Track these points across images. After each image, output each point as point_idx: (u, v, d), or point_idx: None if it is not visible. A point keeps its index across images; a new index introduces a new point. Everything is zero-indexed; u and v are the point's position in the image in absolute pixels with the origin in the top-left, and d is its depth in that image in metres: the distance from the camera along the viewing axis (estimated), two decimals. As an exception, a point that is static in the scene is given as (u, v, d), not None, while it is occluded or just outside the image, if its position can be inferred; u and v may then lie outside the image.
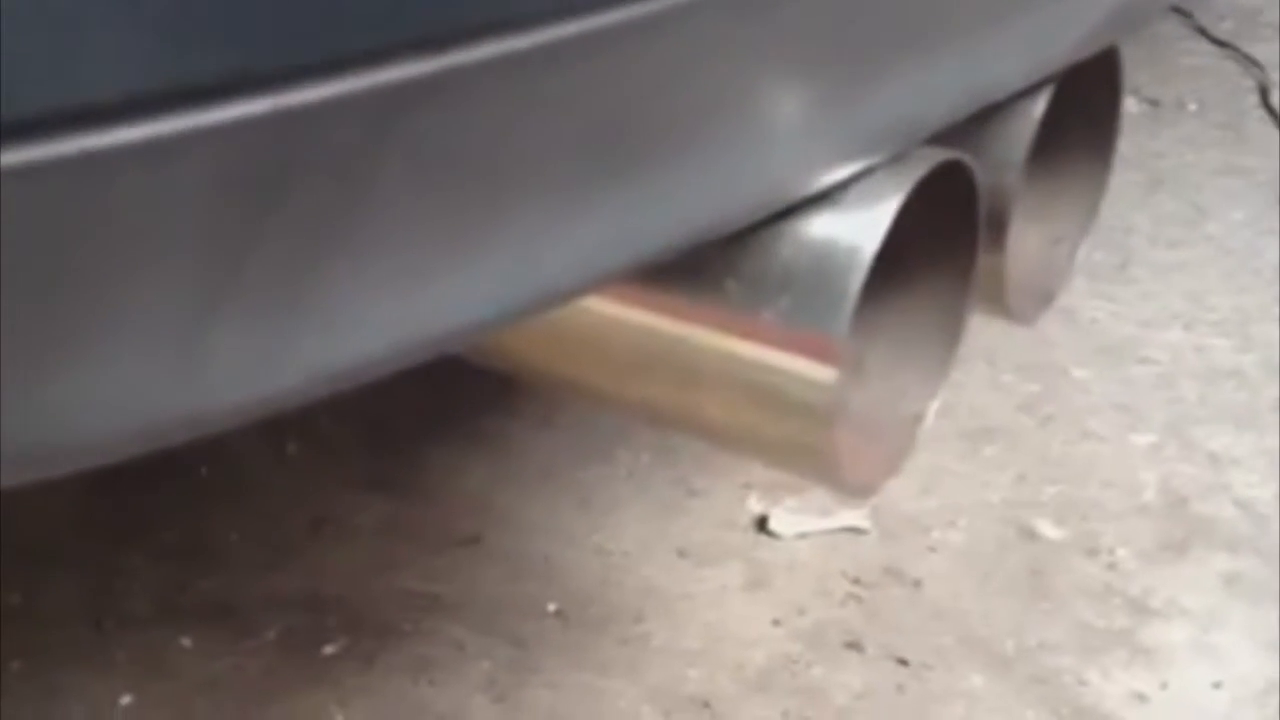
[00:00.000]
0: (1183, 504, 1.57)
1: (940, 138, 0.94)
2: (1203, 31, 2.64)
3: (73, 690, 1.31)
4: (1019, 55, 0.95)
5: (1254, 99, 2.46)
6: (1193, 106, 2.43)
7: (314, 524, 1.50)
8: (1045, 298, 1.20)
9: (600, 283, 0.79)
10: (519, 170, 0.63)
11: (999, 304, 1.10)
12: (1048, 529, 1.53)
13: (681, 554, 1.49)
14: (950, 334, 1.01)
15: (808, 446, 0.90)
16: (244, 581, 1.43)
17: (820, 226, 0.85)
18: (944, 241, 0.98)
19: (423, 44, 0.51)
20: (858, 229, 0.85)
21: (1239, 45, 2.59)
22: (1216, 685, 1.36)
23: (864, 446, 0.97)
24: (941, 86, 0.89)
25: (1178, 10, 2.63)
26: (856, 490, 0.97)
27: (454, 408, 1.65)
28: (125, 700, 1.31)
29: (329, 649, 1.36)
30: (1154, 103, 2.43)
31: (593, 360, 0.95)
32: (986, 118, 1.01)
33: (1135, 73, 2.47)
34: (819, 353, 0.86)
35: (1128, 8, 1.01)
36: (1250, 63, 2.54)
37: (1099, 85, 1.16)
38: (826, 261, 0.85)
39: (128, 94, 0.45)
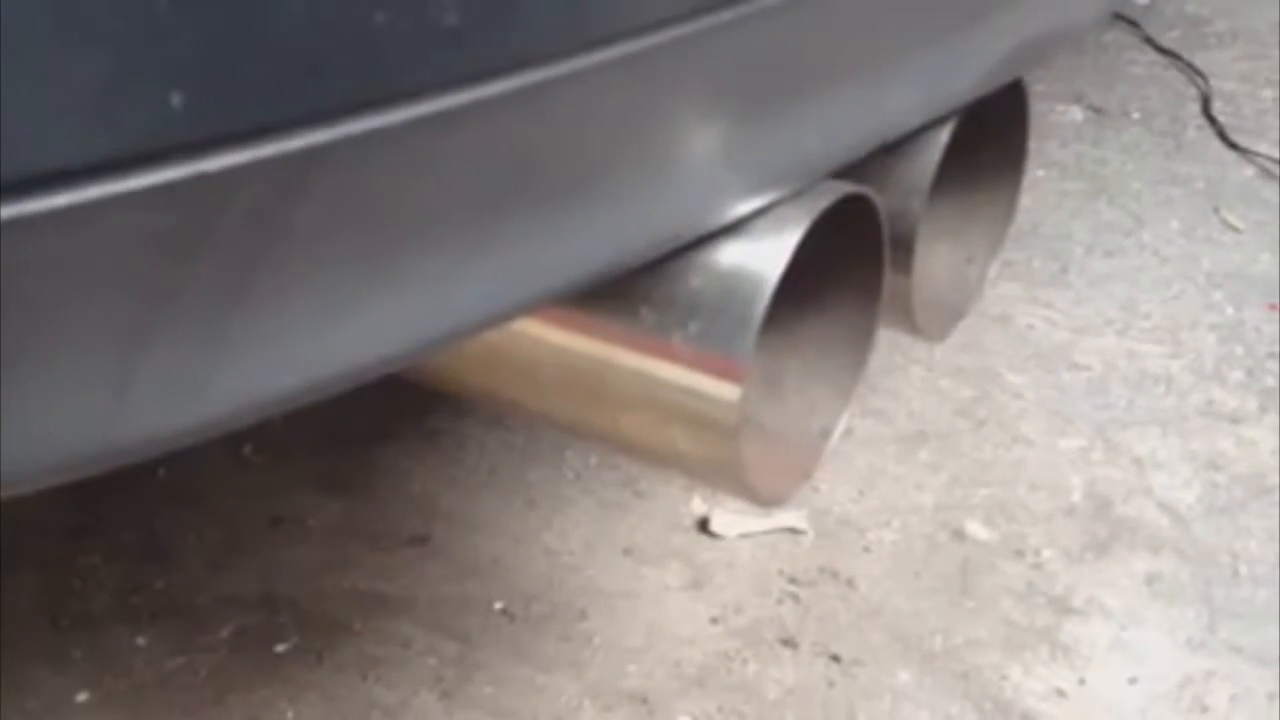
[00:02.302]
0: (1107, 506, 1.62)
1: (849, 166, 0.99)
2: (1149, 40, 2.69)
3: (29, 686, 1.35)
4: (919, 96, 1.00)
5: (1196, 107, 2.50)
6: (1136, 114, 2.48)
7: (268, 525, 1.54)
8: (955, 315, 1.25)
9: (518, 315, 0.84)
10: (433, 218, 0.68)
11: (908, 322, 1.15)
12: (977, 530, 1.58)
13: (626, 553, 1.53)
14: (859, 352, 1.06)
15: (717, 460, 0.95)
16: (199, 581, 1.47)
17: (727, 256, 0.91)
18: (852, 265, 1.03)
19: (329, 113, 0.57)
20: (762, 259, 0.90)
21: (1184, 54, 2.64)
22: (1132, 681, 1.41)
23: (775, 459, 1.02)
24: (843, 128, 0.94)
25: (1125, 19, 2.68)
26: (766, 499, 1.02)
27: (405, 409, 1.68)
28: (81, 697, 1.34)
29: (280, 647, 1.40)
30: (1098, 110, 2.48)
31: (518, 380, 1.00)
32: (894, 146, 1.06)
33: (1081, 81, 2.54)
34: (725, 373, 0.91)
35: (1028, 48, 1.06)
36: (1194, 72, 2.59)
37: (1007, 113, 1.21)
38: (732, 289, 0.90)
39: (61, 164, 0.50)
